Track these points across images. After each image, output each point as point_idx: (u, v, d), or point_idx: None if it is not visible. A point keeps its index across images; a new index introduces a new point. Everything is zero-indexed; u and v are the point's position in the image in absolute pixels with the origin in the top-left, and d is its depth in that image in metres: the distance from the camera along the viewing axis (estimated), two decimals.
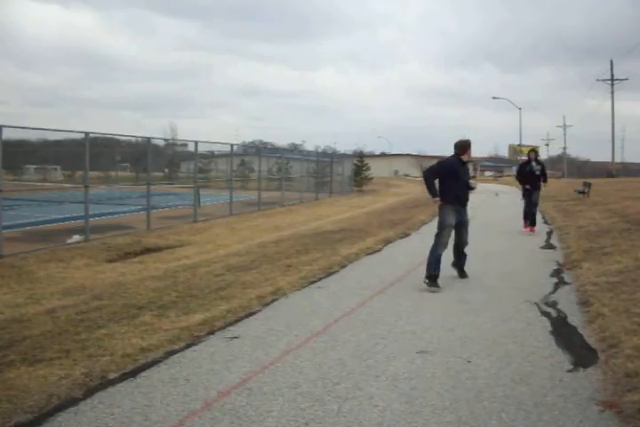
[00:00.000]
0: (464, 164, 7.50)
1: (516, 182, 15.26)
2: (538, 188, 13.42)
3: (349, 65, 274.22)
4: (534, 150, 14.40)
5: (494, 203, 24.74)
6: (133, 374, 4.17)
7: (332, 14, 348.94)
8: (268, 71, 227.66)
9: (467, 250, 7.83)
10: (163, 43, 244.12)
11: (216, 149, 25.51)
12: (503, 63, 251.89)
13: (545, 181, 13.50)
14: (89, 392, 3.82)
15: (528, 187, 13.36)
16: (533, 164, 13.34)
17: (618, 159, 66.62)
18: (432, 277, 7.09)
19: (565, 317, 5.77)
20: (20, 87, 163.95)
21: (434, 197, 7.34)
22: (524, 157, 14.56)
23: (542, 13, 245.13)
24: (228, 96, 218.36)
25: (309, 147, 76.29)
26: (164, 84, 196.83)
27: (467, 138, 7.55)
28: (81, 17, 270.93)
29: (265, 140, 66.87)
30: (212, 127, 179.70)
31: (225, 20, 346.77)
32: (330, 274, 8.09)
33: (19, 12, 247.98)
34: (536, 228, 13.26)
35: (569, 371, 4.25)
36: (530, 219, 13.30)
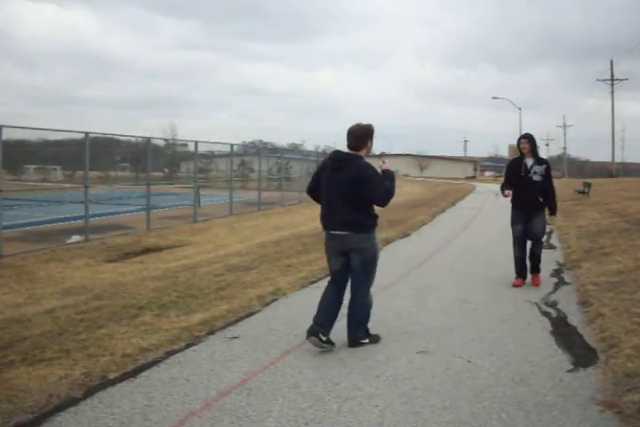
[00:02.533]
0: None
1: None
2: (538, 208, 7.32)
3: (349, 65, 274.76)
4: (528, 137, 7.25)
5: (495, 203, 24.77)
6: (133, 374, 4.17)
7: (331, 14, 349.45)
8: (267, 71, 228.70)
9: None
10: (163, 42, 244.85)
11: (216, 149, 25.55)
12: (503, 63, 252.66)
13: (552, 201, 7.37)
14: (89, 392, 3.82)
15: (508, 194, 7.29)
16: (529, 161, 7.18)
17: (618, 159, 66.72)
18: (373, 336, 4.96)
19: (565, 317, 5.77)
20: (20, 87, 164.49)
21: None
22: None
23: (542, 13, 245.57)
24: (228, 96, 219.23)
25: (309, 147, 76.26)
26: (164, 84, 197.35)
27: (368, 123, 4.79)
28: (80, 17, 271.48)
29: (265, 140, 66.73)
30: (212, 127, 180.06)
31: (226, 20, 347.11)
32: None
33: (18, 12, 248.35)
34: (541, 275, 7.51)
35: (569, 371, 4.26)
36: (532, 263, 7.41)
